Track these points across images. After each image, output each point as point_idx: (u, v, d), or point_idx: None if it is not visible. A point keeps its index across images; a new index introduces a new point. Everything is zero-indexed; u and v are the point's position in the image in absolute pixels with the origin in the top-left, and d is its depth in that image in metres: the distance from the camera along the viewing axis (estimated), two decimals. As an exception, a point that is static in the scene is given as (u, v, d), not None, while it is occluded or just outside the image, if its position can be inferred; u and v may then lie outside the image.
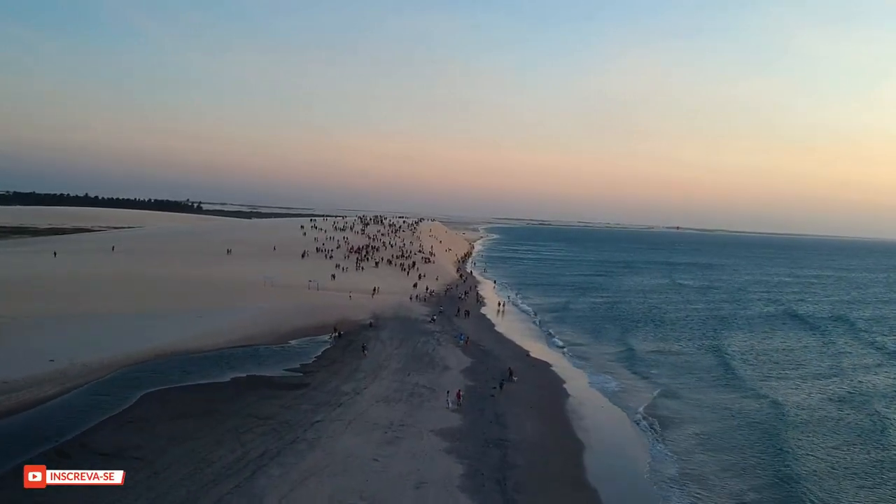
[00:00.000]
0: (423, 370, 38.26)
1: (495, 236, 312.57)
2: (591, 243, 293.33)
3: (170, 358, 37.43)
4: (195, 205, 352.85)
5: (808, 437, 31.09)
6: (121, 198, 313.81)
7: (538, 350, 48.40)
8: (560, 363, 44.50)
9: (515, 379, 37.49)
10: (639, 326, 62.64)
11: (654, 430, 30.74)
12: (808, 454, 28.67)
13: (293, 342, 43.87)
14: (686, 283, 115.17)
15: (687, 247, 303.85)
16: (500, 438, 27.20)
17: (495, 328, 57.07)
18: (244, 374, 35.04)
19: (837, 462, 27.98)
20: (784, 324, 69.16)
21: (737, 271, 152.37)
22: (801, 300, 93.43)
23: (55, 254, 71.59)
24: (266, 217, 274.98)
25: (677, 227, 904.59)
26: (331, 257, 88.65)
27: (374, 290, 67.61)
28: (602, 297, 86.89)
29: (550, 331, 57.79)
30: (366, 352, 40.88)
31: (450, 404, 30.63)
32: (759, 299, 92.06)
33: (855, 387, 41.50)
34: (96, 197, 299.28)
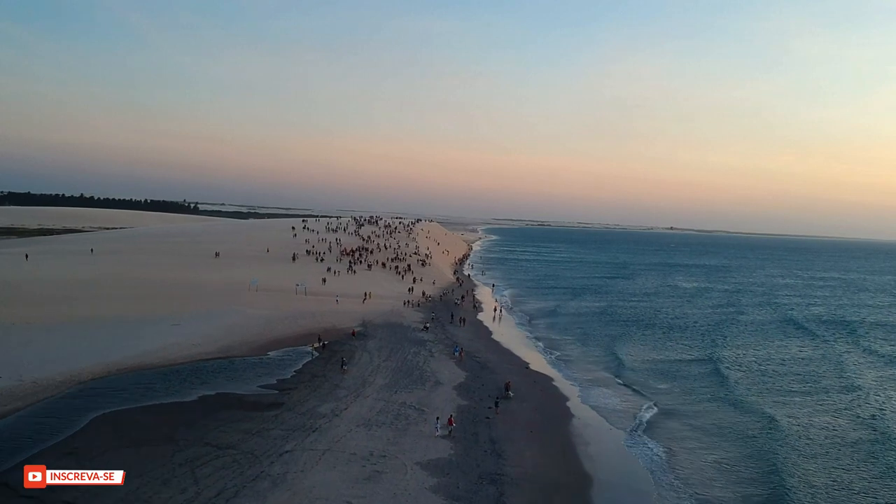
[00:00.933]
0: (412, 386, 34.79)
1: (494, 237, 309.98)
2: (591, 244, 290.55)
3: (135, 372, 34.14)
4: (191, 205, 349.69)
5: (840, 463, 27.65)
6: (116, 198, 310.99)
7: (538, 361, 45.00)
8: (561, 377, 41.02)
9: (512, 395, 34.13)
10: (645, 334, 59.23)
11: (668, 458, 27.31)
12: (841, 489, 25.19)
13: (273, 353, 40.47)
14: (690, 286, 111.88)
15: (687, 248, 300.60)
16: (496, 472, 23.72)
17: (492, 336, 53.69)
18: (214, 392, 31.71)
19: (883, 498, 24.49)
20: (799, 330, 65.72)
21: (741, 273, 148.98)
22: (812, 304, 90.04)
23: (27, 256, 68.02)
24: (264, 217, 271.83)
25: (671, 228, 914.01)
26: (322, 260, 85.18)
27: (366, 295, 64.12)
28: (604, 301, 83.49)
29: (551, 339, 54.37)
30: (345, 367, 37.12)
31: (439, 430, 27.14)
32: (767, 303, 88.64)
33: (884, 405, 37.93)
34: (91, 197, 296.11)
